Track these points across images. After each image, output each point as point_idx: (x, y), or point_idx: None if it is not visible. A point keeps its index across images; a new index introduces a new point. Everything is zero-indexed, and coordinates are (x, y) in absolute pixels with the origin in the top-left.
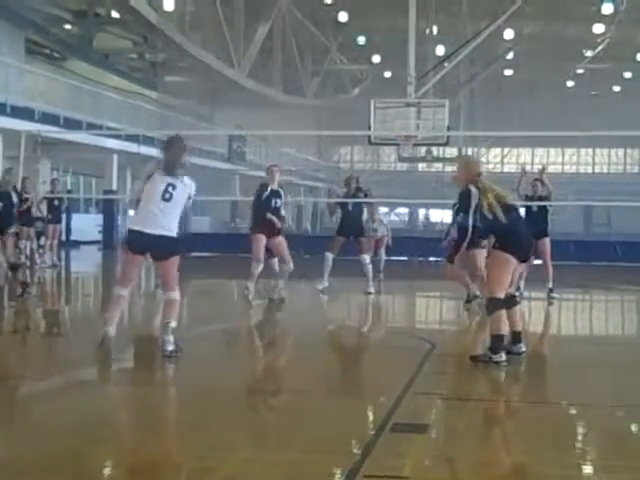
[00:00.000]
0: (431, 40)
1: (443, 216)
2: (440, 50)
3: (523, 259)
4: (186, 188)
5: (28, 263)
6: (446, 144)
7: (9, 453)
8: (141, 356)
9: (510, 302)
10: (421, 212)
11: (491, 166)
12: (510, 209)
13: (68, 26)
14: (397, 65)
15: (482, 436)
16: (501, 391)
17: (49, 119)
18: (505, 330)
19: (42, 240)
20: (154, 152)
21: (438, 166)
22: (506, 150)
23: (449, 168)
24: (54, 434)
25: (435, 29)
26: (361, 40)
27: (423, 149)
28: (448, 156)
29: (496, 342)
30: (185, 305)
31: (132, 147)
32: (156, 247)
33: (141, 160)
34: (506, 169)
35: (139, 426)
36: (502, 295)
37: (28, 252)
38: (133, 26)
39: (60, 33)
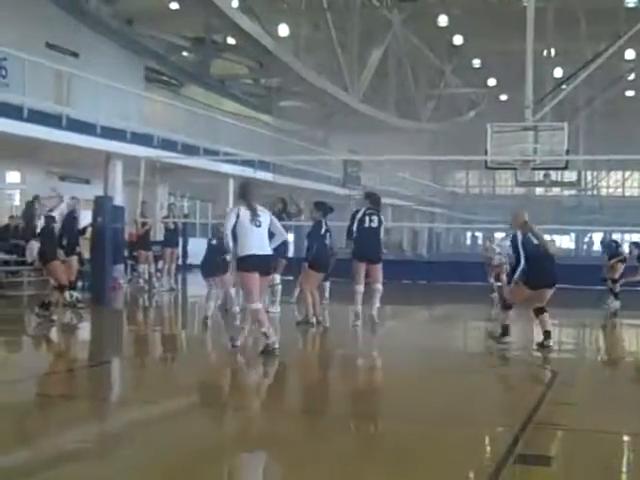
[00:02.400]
0: (549, 62)
1: (561, 241)
2: (558, 72)
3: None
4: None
5: (146, 287)
6: (565, 168)
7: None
8: None
9: None
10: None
11: (611, 190)
12: None
13: (185, 53)
14: (513, 88)
15: (609, 470)
16: (628, 423)
17: (167, 145)
18: None
19: (160, 264)
20: (269, 176)
21: (556, 190)
22: (627, 173)
23: (567, 192)
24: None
25: (553, 51)
26: (476, 63)
27: (541, 173)
28: (567, 180)
29: None
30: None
31: (247, 172)
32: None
33: (257, 185)
34: (628, 193)
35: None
36: None
37: (147, 276)
38: (249, 52)
39: (178, 60)
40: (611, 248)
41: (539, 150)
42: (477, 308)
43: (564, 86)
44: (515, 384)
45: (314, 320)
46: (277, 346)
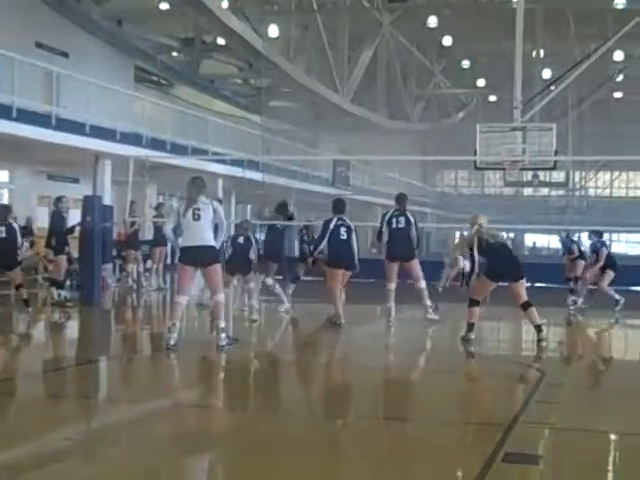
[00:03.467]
0: (538, 63)
1: (549, 241)
2: (547, 73)
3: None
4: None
5: (135, 286)
6: (553, 168)
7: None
8: None
9: None
10: (528, 237)
11: (599, 191)
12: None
13: (175, 53)
14: (502, 89)
15: (597, 469)
16: (616, 422)
17: (156, 144)
18: None
19: (148, 263)
20: (258, 176)
21: (545, 191)
22: (615, 174)
23: (555, 192)
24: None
25: (542, 52)
26: (465, 64)
27: (529, 173)
28: (555, 180)
29: None
30: None
31: (237, 171)
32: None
33: (245, 184)
34: (615, 193)
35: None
36: None
37: (135, 275)
38: (238, 52)
39: (167, 60)
40: (565, 246)
41: (528, 150)
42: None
43: (553, 87)
44: (503, 383)
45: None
46: (224, 343)
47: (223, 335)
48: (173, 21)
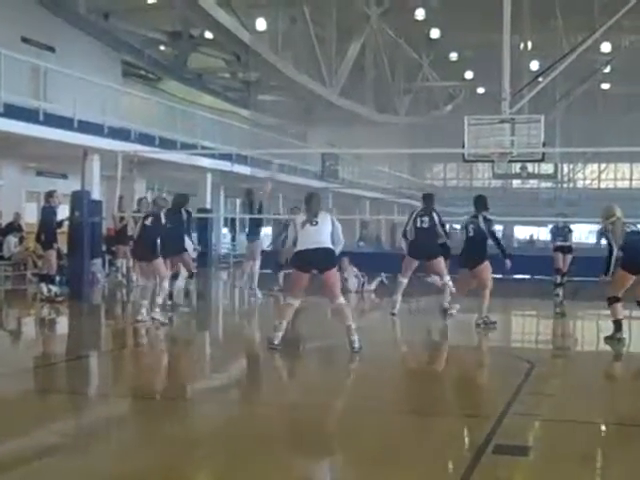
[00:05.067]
0: (525, 55)
1: (539, 233)
2: (535, 65)
3: None
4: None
5: (125, 281)
6: (542, 160)
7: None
8: None
9: None
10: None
11: (588, 182)
12: None
13: (163, 47)
14: (490, 81)
15: (586, 460)
16: (605, 413)
17: (145, 139)
18: None
19: None
20: (247, 170)
21: (533, 182)
22: (603, 165)
23: (544, 184)
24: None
25: (530, 44)
26: (453, 56)
27: (518, 165)
28: (543, 172)
29: None
30: None
31: (225, 165)
32: None
33: (234, 178)
34: (603, 185)
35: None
36: None
37: (125, 270)
38: (226, 46)
39: (155, 54)
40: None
41: (516, 142)
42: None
43: (541, 79)
44: (493, 375)
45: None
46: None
47: (355, 338)
48: (160, 15)
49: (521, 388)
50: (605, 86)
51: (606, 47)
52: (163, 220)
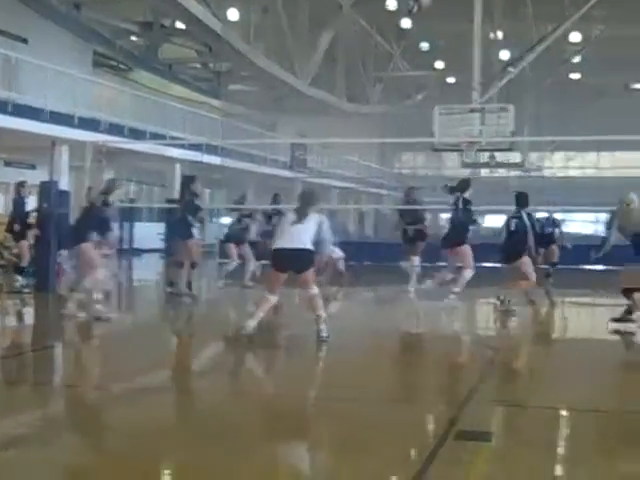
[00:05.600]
0: (496, 45)
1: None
2: (505, 55)
3: None
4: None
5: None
6: (510, 149)
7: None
8: None
9: None
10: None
11: (555, 171)
12: None
13: (134, 38)
14: (461, 71)
15: (548, 445)
16: (567, 398)
17: (114, 129)
18: None
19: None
20: (217, 161)
21: (502, 172)
22: (571, 154)
23: (512, 173)
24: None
25: (500, 34)
26: (424, 46)
27: (486, 154)
28: (511, 161)
29: None
30: None
31: (196, 156)
32: None
33: (204, 169)
34: (571, 173)
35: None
36: None
37: None
38: (198, 36)
39: (126, 45)
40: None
41: (485, 132)
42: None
43: (511, 68)
44: (457, 362)
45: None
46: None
47: (324, 327)
48: (131, 5)
49: (486, 375)
50: (575, 76)
51: (576, 37)
52: (97, 205)
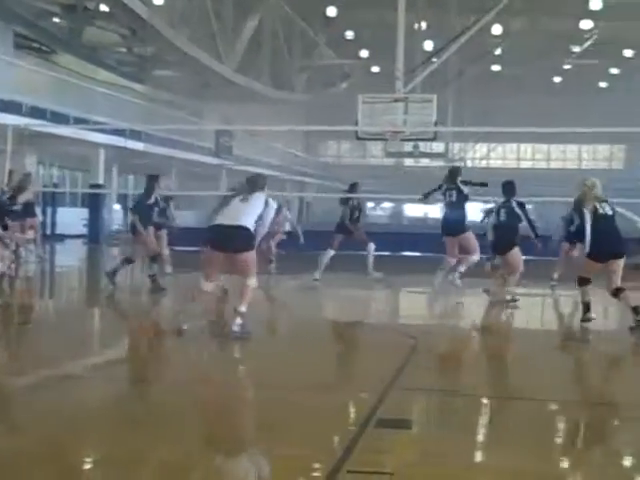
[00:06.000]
0: (420, 35)
1: (428, 212)
2: (429, 45)
3: None
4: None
5: (13, 256)
6: (433, 139)
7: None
8: None
9: None
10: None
11: (477, 162)
12: None
13: (57, 20)
14: (385, 60)
15: (468, 432)
16: (487, 386)
17: (36, 113)
18: None
19: (30, 234)
20: (141, 146)
21: (425, 161)
22: (492, 145)
23: (435, 163)
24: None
25: (424, 24)
26: (349, 35)
27: (410, 144)
28: (435, 151)
29: None
30: None
31: (119, 141)
32: None
33: (128, 154)
34: (492, 164)
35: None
36: None
37: (14, 246)
38: (122, 20)
39: (49, 27)
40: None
41: (409, 121)
42: (346, 277)
43: (434, 59)
44: (378, 350)
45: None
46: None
47: (239, 322)
48: None
49: (406, 362)
50: (496, 68)
51: (497, 29)
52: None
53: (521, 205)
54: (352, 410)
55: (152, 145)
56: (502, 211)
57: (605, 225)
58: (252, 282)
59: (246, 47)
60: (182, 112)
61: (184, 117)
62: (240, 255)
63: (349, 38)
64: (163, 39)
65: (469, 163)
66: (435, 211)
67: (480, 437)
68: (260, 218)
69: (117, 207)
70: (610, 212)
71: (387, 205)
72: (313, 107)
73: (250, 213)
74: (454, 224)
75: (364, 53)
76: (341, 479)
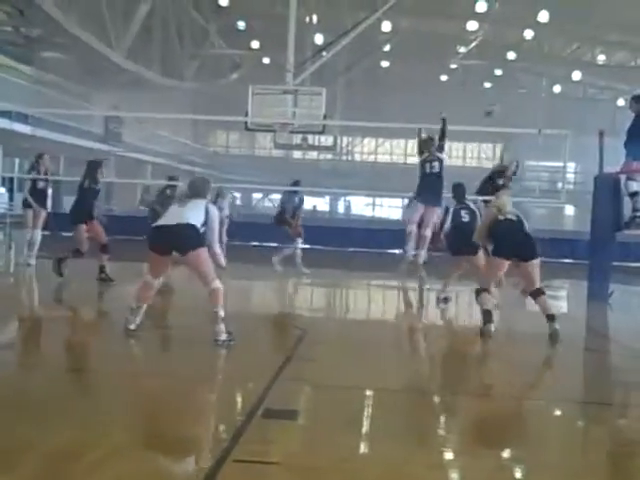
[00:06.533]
0: (311, 28)
1: (316, 204)
2: (319, 39)
3: None
4: None
5: None
6: (322, 132)
7: None
8: None
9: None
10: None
11: (365, 156)
12: None
13: None
14: (276, 52)
15: (351, 423)
16: (370, 378)
17: None
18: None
19: None
20: (27, 129)
21: (313, 154)
22: (380, 140)
23: (323, 156)
24: None
25: (315, 18)
26: (241, 25)
27: (299, 137)
28: (323, 145)
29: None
30: None
31: (4, 123)
32: None
33: (14, 137)
34: (380, 159)
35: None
36: None
37: None
38: None
39: None
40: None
41: (298, 114)
42: (236, 267)
43: (324, 53)
44: (266, 342)
45: None
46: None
47: (221, 328)
48: None
49: (293, 353)
50: (385, 64)
51: (387, 26)
52: None
53: (477, 205)
54: (238, 400)
55: (39, 129)
56: (462, 212)
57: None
58: (215, 285)
59: (137, 33)
60: (71, 96)
61: (72, 101)
62: (190, 255)
63: (240, 28)
64: (51, 20)
65: (357, 157)
66: (321, 204)
67: (362, 430)
68: (205, 225)
69: (2, 190)
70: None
71: (276, 197)
72: (202, 96)
73: (193, 215)
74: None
75: (255, 44)
76: (227, 468)
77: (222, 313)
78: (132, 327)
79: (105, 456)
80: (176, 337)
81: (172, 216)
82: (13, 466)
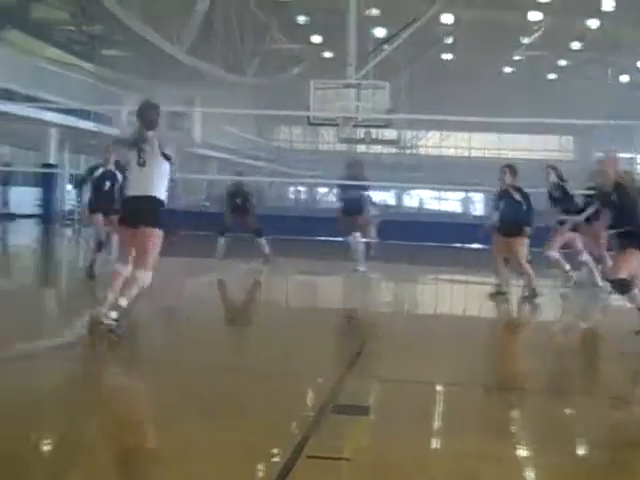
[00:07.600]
0: (372, 21)
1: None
2: (380, 32)
3: None
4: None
5: None
6: (386, 126)
7: None
8: None
9: None
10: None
11: (429, 150)
12: None
13: None
14: (337, 46)
15: (423, 418)
16: (441, 373)
17: None
18: None
19: None
20: (91, 126)
21: (377, 148)
22: (444, 134)
23: (387, 150)
24: None
25: (376, 11)
26: (301, 20)
27: (362, 131)
28: (387, 138)
29: None
30: None
31: (70, 120)
32: None
33: (80, 134)
34: (444, 152)
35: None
36: None
37: None
38: None
39: None
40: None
41: (361, 108)
42: (301, 262)
43: (386, 46)
44: (334, 337)
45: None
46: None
47: (113, 315)
48: None
49: (362, 349)
50: (447, 56)
51: (448, 18)
52: None
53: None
54: (309, 396)
55: (102, 125)
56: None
57: None
58: (142, 275)
59: (198, 29)
60: (135, 92)
61: (136, 98)
62: (144, 230)
63: (301, 23)
64: (113, 18)
65: (422, 151)
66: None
67: (435, 425)
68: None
69: (69, 187)
70: None
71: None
72: (265, 91)
73: (155, 177)
74: None
75: (316, 38)
76: (301, 464)
77: (125, 304)
78: (106, 322)
79: (176, 448)
80: (247, 333)
81: (135, 183)
82: None
